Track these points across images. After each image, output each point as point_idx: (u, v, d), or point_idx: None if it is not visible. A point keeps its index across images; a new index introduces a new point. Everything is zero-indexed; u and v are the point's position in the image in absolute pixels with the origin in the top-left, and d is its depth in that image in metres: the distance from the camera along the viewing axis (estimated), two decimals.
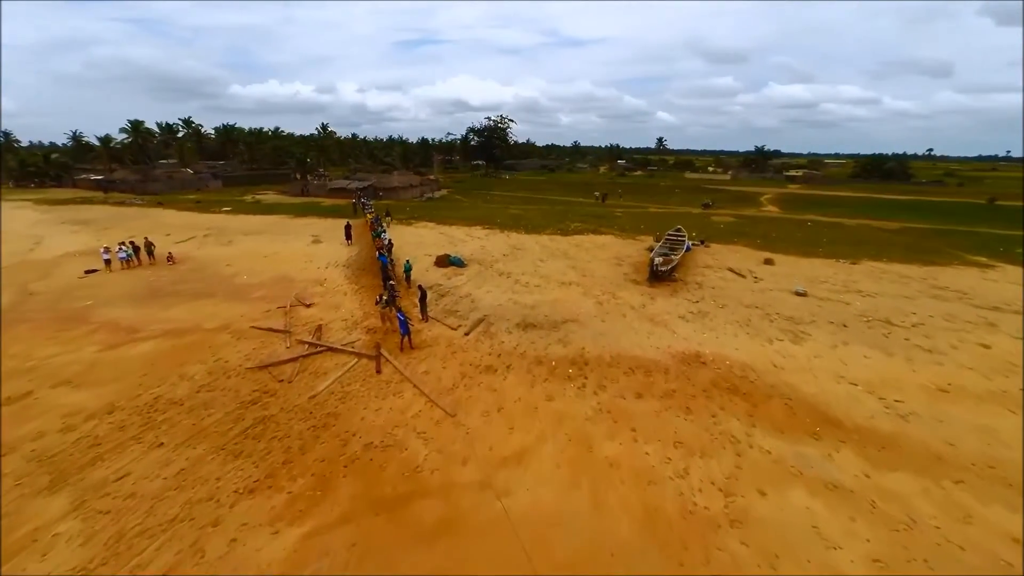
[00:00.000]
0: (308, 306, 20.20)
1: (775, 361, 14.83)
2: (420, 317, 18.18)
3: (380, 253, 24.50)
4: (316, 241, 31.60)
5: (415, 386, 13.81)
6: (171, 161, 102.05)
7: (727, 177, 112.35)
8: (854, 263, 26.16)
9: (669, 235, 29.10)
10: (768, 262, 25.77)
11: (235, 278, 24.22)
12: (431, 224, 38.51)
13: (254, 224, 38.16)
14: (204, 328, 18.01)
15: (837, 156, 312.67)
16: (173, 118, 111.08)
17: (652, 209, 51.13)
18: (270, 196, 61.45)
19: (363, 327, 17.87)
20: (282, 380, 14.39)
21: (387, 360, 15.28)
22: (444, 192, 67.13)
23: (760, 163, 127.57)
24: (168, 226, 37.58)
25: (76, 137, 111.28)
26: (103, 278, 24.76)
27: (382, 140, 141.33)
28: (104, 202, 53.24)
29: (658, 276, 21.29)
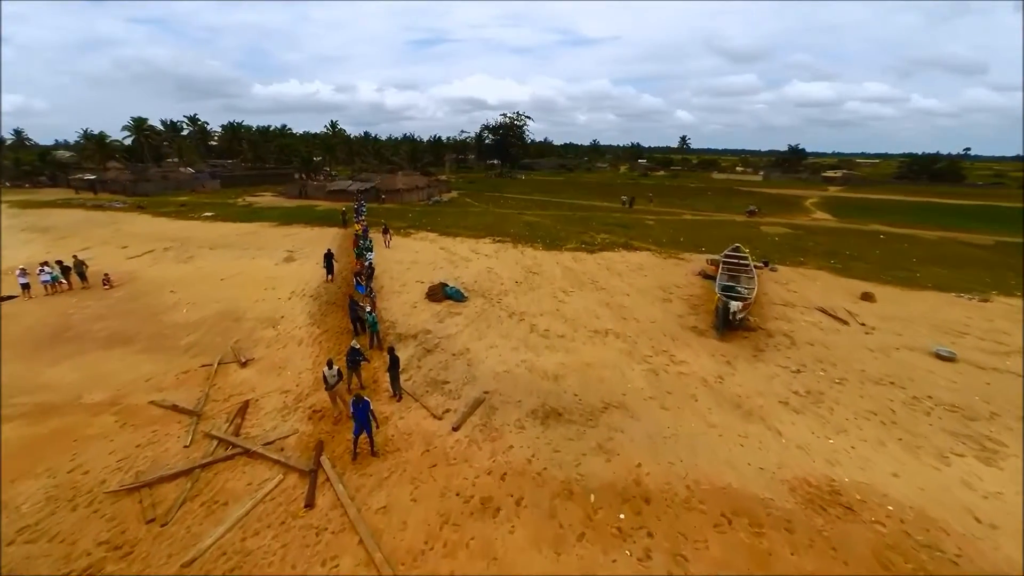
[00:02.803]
0: (243, 364, 14.64)
1: (973, 506, 8.71)
2: (391, 394, 12.46)
3: (357, 280, 18.86)
4: (289, 259, 26.11)
5: (362, 544, 8.13)
6: (173, 160, 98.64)
7: (758, 178, 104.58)
8: (984, 300, 19.63)
9: (727, 256, 22.86)
10: (867, 297, 19.41)
11: (171, 312, 18.83)
12: (432, 235, 32.81)
13: (228, 234, 32.90)
14: (85, 402, 12.57)
15: (864, 155, 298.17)
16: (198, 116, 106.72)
17: (687, 216, 44.70)
18: (266, 198, 56.60)
19: (309, 406, 12.23)
20: (151, 520, 8.79)
21: (327, 479, 9.64)
22: (453, 194, 61.47)
23: (793, 163, 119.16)
24: (131, 236, 32.56)
25: (87, 136, 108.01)
26: (16, 307, 19.60)
27: (394, 139, 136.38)
28: (83, 205, 48.78)
29: (733, 325, 15.19)
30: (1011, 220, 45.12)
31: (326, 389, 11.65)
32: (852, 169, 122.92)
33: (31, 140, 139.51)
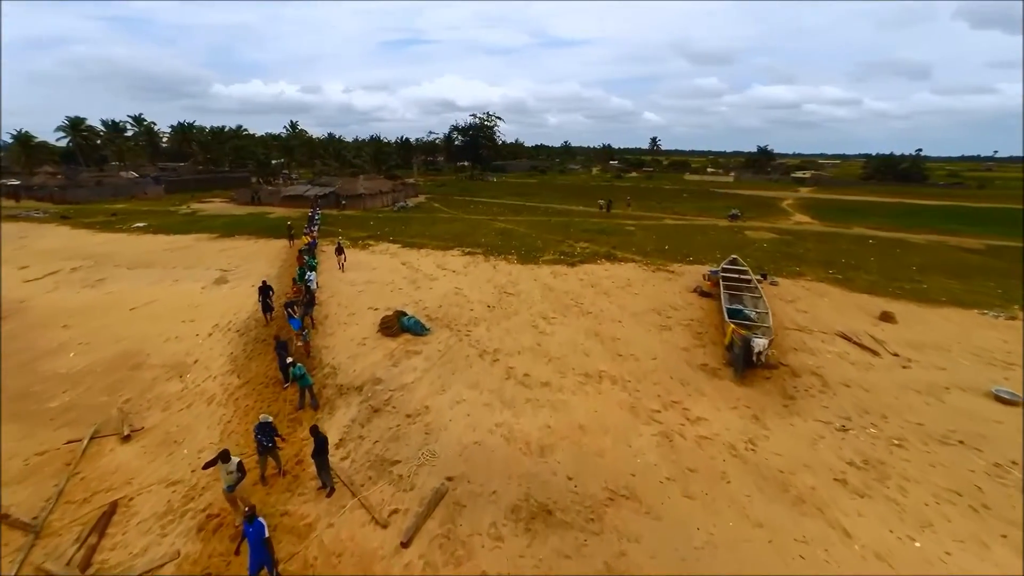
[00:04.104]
0: (126, 438, 10.99)
1: None
2: (319, 484, 9.12)
3: (290, 313, 15.30)
4: (220, 280, 22.17)
5: None
6: (116, 164, 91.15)
7: (730, 179, 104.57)
8: (1011, 317, 17.60)
9: (726, 271, 20.30)
10: (887, 318, 17.10)
11: (53, 358, 14.89)
12: (395, 247, 29.29)
13: (155, 250, 28.50)
14: None
15: (824, 156, 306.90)
16: (156, 118, 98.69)
17: (668, 221, 42.47)
18: (214, 205, 51.66)
19: (203, 509, 8.77)
20: None
21: None
22: (421, 199, 57.80)
23: (762, 164, 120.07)
24: (37, 254, 27.82)
25: (20, 137, 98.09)
26: None
27: (360, 140, 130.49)
28: None
29: (754, 365, 12.41)
30: (991, 222, 44.68)
31: (226, 488, 8.25)
32: (817, 169, 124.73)
33: None
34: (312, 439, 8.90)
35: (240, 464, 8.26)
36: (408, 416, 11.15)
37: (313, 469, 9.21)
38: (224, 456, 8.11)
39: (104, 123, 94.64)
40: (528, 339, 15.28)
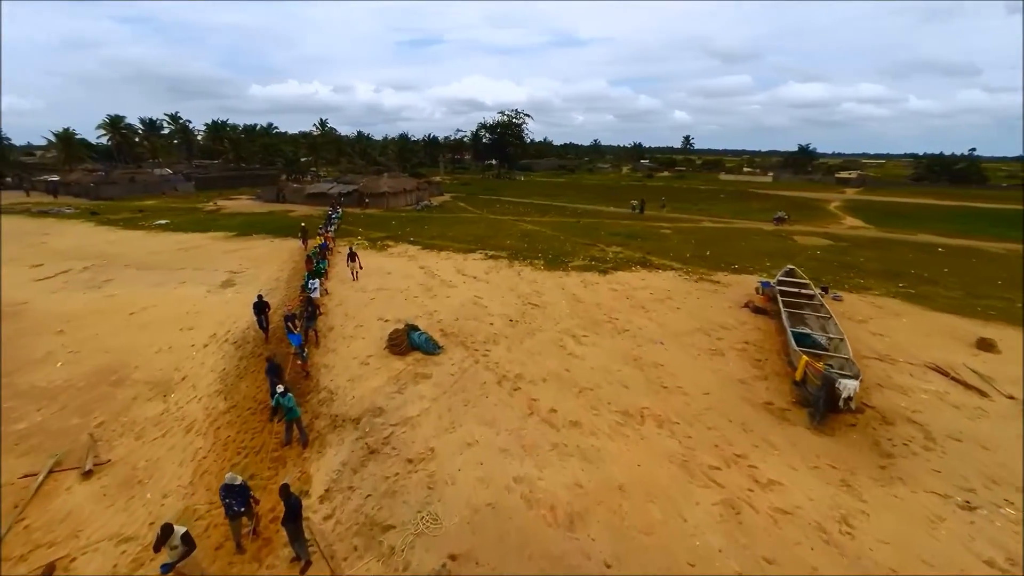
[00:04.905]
0: (87, 474, 9.47)
1: None
2: (292, 556, 7.30)
3: (290, 328, 13.63)
4: (227, 284, 20.88)
5: None
6: (155, 161, 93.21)
7: (768, 179, 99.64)
8: None
9: (783, 284, 17.73)
10: (986, 346, 14.28)
11: (36, 368, 13.71)
12: (413, 249, 27.63)
13: (165, 249, 27.61)
14: None
15: (865, 156, 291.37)
16: (188, 116, 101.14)
17: (706, 224, 39.56)
18: (239, 202, 51.39)
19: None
20: None
21: None
22: (446, 197, 56.30)
23: (802, 164, 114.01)
24: (53, 252, 27.33)
25: (61, 135, 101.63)
26: None
27: (390, 138, 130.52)
28: (26, 211, 43.49)
29: (839, 409, 9.98)
30: None
31: (160, 570, 6.52)
32: (860, 170, 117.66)
33: (8, 139, 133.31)
34: (283, 501, 7.09)
35: (186, 536, 6.50)
36: (409, 462, 9.25)
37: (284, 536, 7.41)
38: (164, 531, 6.36)
39: (142, 121, 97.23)
40: (554, 362, 13.20)
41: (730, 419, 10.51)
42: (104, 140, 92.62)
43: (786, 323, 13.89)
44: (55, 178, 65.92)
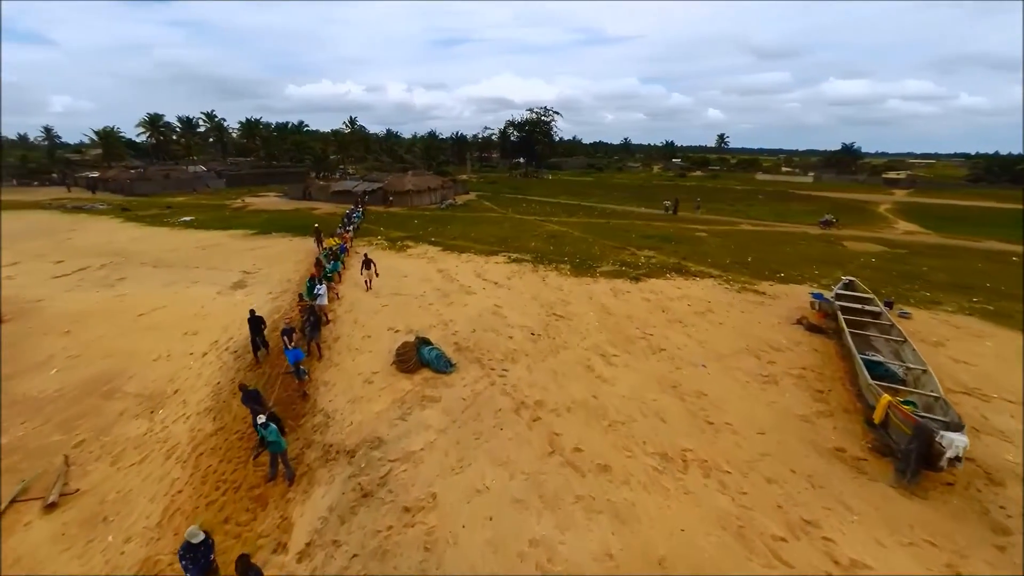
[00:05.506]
0: (50, 506, 8.44)
1: None
2: None
3: (286, 343, 12.29)
4: (239, 284, 20.06)
5: None
6: (192, 159, 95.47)
7: (808, 179, 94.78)
8: None
9: (842, 299, 15.60)
10: None
11: (33, 374, 13.03)
12: (434, 250, 26.39)
13: (183, 247, 27.21)
14: None
15: (912, 155, 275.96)
16: (229, 115, 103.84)
17: (745, 227, 37.01)
18: (266, 199, 51.55)
19: None
20: None
21: None
22: (471, 196, 55.12)
23: (847, 163, 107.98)
24: (76, 248, 27.32)
25: (102, 133, 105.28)
26: None
27: (419, 136, 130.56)
28: (61, 207, 44.48)
29: (938, 468, 8.04)
30: None
31: None
32: (908, 170, 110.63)
33: (59, 137, 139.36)
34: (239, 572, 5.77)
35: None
36: (406, 510, 7.84)
37: None
38: None
39: (180, 119, 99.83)
40: (581, 387, 11.59)
41: (793, 469, 8.69)
42: (144, 138, 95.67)
43: (852, 349, 11.87)
44: (95, 175, 67.96)
